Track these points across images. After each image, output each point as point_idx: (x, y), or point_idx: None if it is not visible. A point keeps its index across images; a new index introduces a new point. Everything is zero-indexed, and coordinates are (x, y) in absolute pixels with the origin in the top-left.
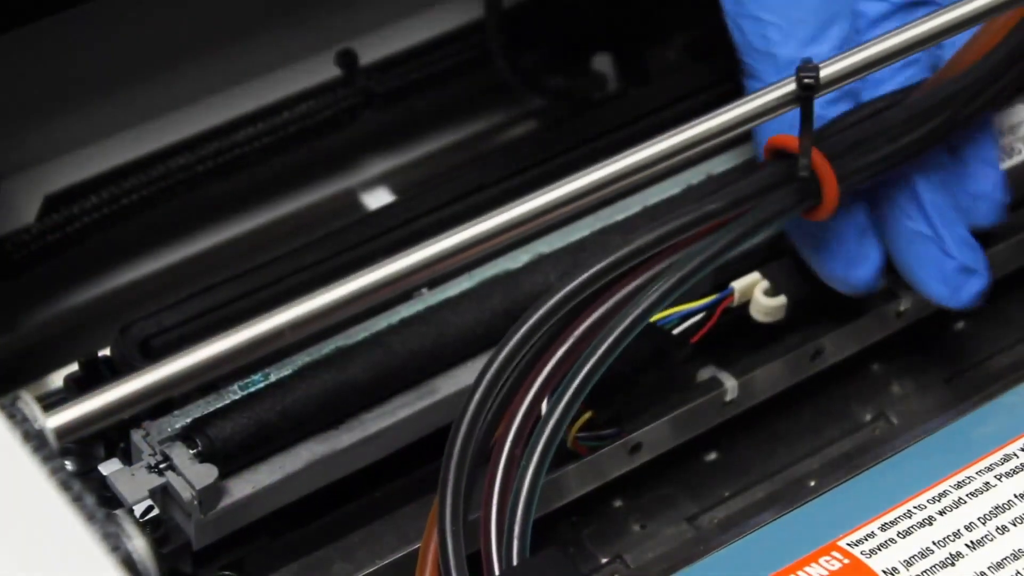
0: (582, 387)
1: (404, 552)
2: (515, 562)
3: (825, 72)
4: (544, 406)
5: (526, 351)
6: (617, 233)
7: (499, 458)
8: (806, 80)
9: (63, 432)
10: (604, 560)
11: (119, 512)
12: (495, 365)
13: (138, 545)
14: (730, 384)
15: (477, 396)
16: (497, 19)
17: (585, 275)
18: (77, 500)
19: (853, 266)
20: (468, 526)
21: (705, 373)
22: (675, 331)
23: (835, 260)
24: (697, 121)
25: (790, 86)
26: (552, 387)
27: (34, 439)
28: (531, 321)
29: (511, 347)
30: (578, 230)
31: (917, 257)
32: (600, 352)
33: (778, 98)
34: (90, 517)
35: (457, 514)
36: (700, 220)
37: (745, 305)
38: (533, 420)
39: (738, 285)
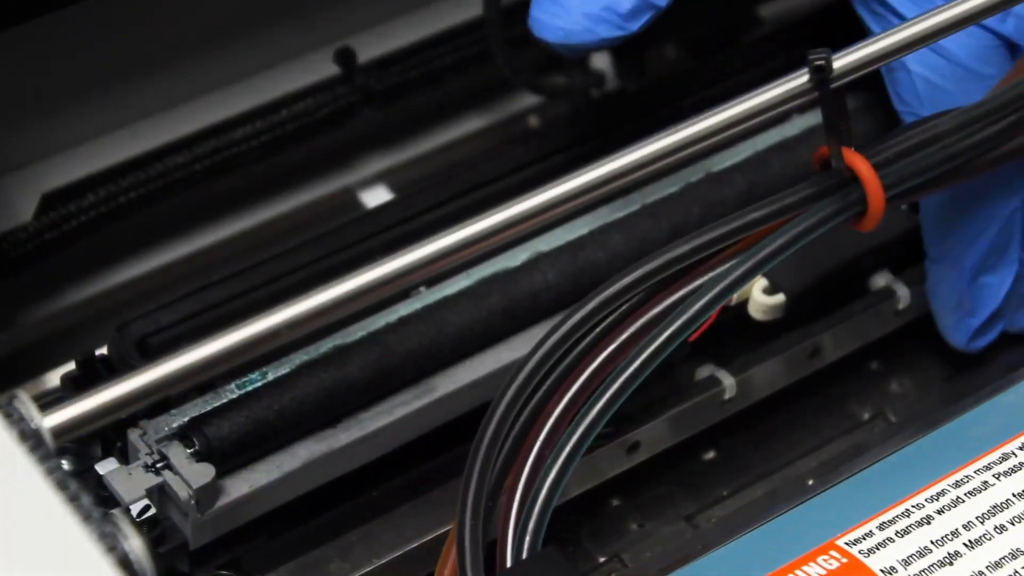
0: (616, 397)
1: (402, 551)
2: (525, 555)
3: (840, 63)
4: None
5: (563, 353)
6: (617, 231)
7: (528, 455)
8: (816, 62)
9: (60, 431)
10: (602, 559)
11: (116, 512)
12: (530, 364)
13: (135, 545)
14: (728, 383)
15: (509, 394)
16: (496, 16)
17: (624, 281)
18: (74, 500)
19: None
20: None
21: (703, 372)
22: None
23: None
24: (711, 112)
25: (806, 76)
26: (591, 391)
27: (30, 439)
28: (568, 325)
29: (547, 348)
30: (576, 228)
31: None
32: (637, 364)
33: (795, 88)
34: (86, 517)
35: (478, 508)
36: (745, 228)
37: (743, 303)
38: (567, 424)
39: None
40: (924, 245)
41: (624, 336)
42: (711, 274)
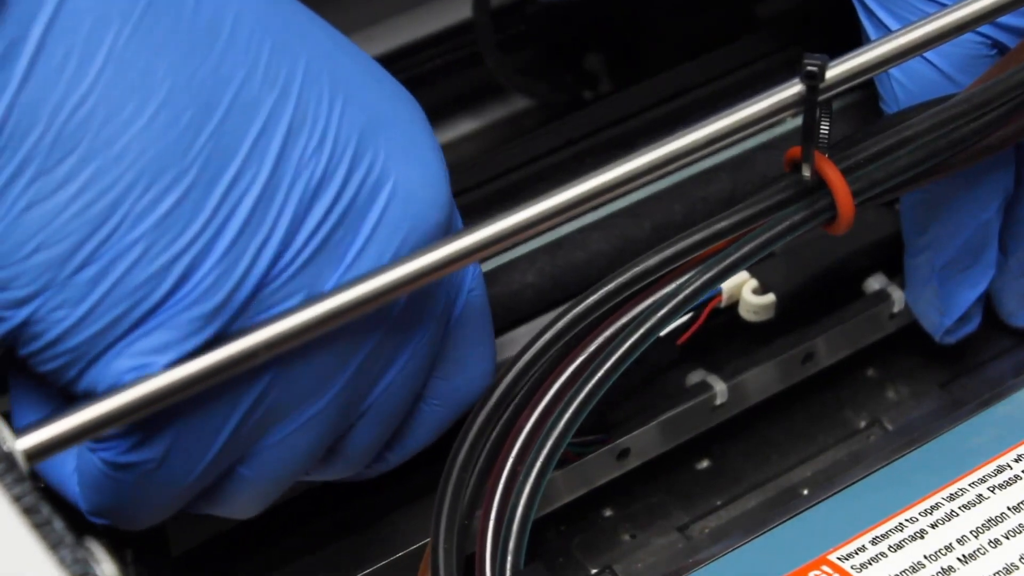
0: (582, 407)
1: (387, 560)
2: (508, 574)
3: (832, 72)
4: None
5: (535, 371)
6: (597, 230)
7: (501, 473)
8: (810, 67)
9: (34, 453)
10: (594, 571)
11: (89, 536)
12: (504, 383)
13: (107, 570)
14: (719, 388)
15: (483, 413)
16: (486, 19)
17: (594, 297)
18: (45, 525)
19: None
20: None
21: (694, 377)
22: (662, 332)
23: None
24: (700, 125)
25: (797, 87)
26: (559, 406)
27: (2, 462)
28: (539, 343)
29: (521, 366)
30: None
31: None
32: (601, 373)
33: (784, 99)
34: (57, 543)
35: (452, 528)
36: (712, 238)
37: (734, 306)
38: (539, 437)
39: (726, 285)
40: (903, 238)
41: (592, 348)
42: (678, 282)
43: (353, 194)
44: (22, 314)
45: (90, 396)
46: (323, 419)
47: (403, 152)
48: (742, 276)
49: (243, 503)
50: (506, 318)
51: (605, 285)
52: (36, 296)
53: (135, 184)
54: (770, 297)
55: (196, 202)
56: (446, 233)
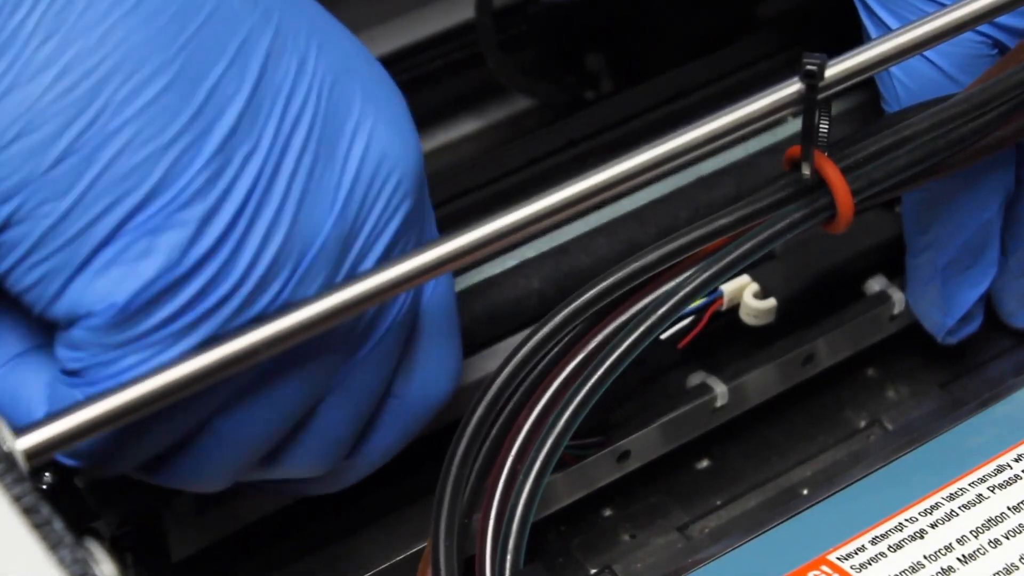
0: (583, 405)
1: (387, 564)
2: (508, 573)
3: (832, 71)
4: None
5: (531, 367)
6: (602, 235)
7: (500, 473)
8: (809, 66)
9: (34, 453)
10: (593, 571)
11: (88, 536)
12: (499, 380)
13: (106, 570)
14: (720, 390)
15: (479, 411)
16: (488, 19)
17: (591, 292)
18: (45, 525)
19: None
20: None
21: (695, 379)
22: (663, 336)
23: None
24: (699, 123)
25: (796, 86)
26: (559, 403)
27: (2, 462)
28: (536, 339)
29: (516, 363)
30: (561, 233)
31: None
32: (601, 372)
33: (784, 98)
34: (57, 543)
35: (452, 527)
36: (710, 236)
37: (735, 309)
38: (538, 436)
39: (727, 288)
40: (905, 238)
41: (591, 345)
42: (677, 279)
43: (336, 126)
44: (4, 211)
45: (73, 320)
46: (287, 391)
47: (376, 94)
48: (743, 280)
49: (204, 476)
50: (510, 323)
51: (602, 281)
52: (19, 190)
53: (117, 69)
54: (771, 302)
55: (181, 97)
56: (421, 186)
